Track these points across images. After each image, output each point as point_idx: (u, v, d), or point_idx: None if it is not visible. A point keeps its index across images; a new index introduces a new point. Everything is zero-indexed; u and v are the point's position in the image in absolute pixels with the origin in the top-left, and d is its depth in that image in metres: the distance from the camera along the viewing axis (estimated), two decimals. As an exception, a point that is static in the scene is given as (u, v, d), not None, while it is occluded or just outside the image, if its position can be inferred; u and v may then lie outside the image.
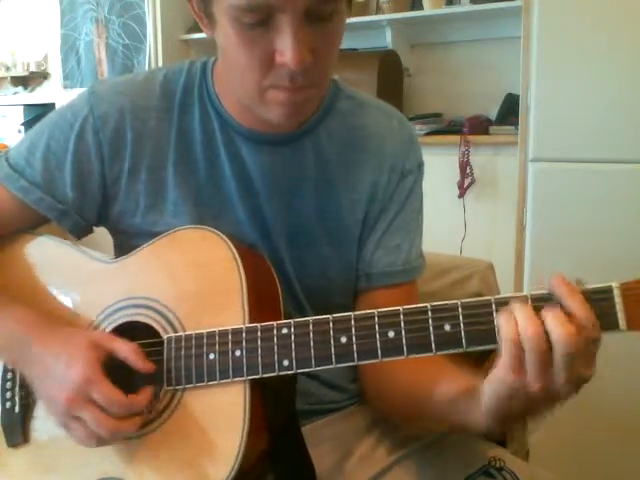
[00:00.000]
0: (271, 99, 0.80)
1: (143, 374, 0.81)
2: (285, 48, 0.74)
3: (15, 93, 3.54)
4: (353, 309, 0.97)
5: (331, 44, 0.80)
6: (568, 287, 0.66)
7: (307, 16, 0.74)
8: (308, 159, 0.91)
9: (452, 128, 2.50)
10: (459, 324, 0.69)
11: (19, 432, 0.86)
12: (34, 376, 0.82)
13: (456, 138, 2.42)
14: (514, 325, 0.64)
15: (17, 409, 0.87)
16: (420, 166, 0.98)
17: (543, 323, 0.64)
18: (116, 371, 0.79)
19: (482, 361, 1.17)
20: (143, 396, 0.78)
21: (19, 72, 3.45)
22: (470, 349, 0.69)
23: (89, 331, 0.85)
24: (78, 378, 0.76)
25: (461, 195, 2.48)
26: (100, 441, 0.77)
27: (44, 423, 0.85)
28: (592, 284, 0.66)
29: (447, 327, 0.69)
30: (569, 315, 0.64)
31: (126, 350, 0.79)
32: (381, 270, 0.94)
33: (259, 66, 0.77)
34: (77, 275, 0.89)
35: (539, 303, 0.66)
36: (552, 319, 0.63)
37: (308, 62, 0.75)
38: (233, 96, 0.89)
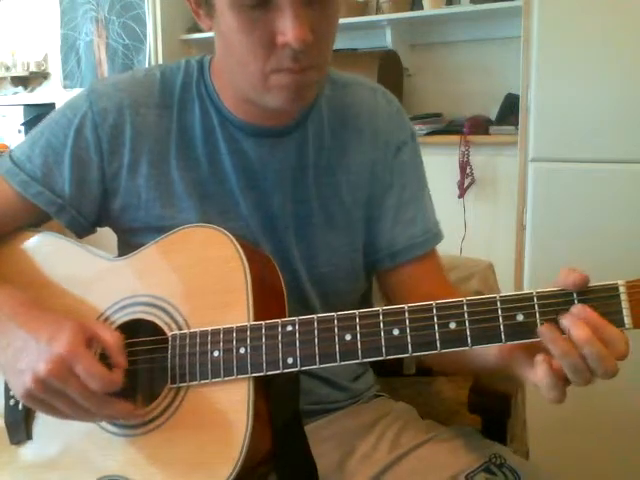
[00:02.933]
0: (275, 84, 0.80)
1: (145, 372, 0.82)
2: (286, 27, 0.74)
3: (15, 93, 3.54)
4: (380, 291, 1.00)
5: (330, 24, 0.80)
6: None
7: None
8: (306, 147, 0.92)
9: (452, 128, 2.50)
10: (464, 322, 0.69)
11: (22, 430, 0.86)
12: (5, 346, 0.80)
13: (456, 138, 2.43)
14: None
15: (20, 406, 0.86)
16: (413, 135, 0.99)
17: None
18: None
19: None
20: (117, 374, 0.77)
21: (19, 72, 3.45)
22: (475, 347, 0.70)
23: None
24: (61, 350, 0.74)
25: (461, 195, 2.48)
26: (87, 415, 0.77)
27: (48, 420, 0.84)
28: (597, 282, 0.67)
29: (452, 325, 0.70)
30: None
31: (108, 338, 0.79)
32: (403, 245, 0.95)
33: (261, 50, 0.77)
34: (82, 273, 0.89)
35: (546, 301, 0.67)
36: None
37: (309, 41, 0.75)
38: (233, 90, 0.89)
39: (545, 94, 1.81)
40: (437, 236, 0.98)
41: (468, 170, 2.45)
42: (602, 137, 1.75)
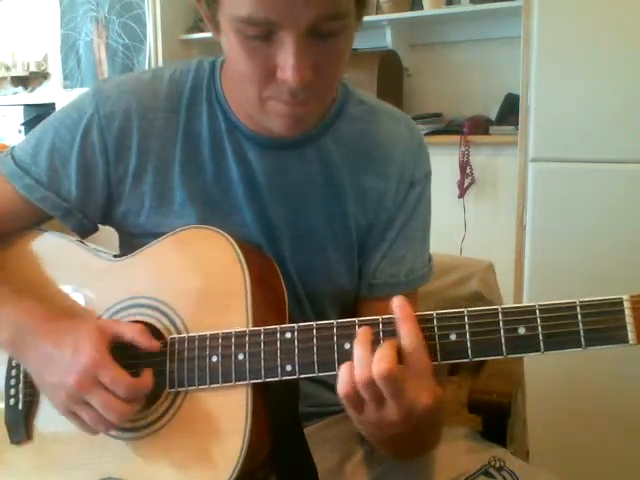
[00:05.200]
0: (271, 110, 0.79)
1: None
2: (286, 65, 0.73)
3: (15, 93, 3.55)
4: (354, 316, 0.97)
5: (336, 60, 0.78)
6: (402, 312, 0.69)
7: (311, 32, 0.72)
8: (315, 163, 0.90)
9: (452, 128, 2.50)
10: (465, 334, 0.69)
11: (22, 429, 0.86)
12: (35, 364, 0.82)
13: (456, 138, 2.43)
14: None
15: (21, 406, 0.87)
16: (428, 175, 0.97)
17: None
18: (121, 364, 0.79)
19: (478, 370, 1.17)
20: (147, 378, 0.78)
21: (19, 72, 3.45)
22: (476, 359, 0.69)
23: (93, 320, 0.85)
24: (86, 361, 0.76)
25: (461, 195, 2.48)
26: (108, 426, 0.77)
27: (48, 421, 0.85)
28: (602, 296, 0.65)
29: (453, 336, 0.69)
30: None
31: (131, 331, 0.79)
32: (384, 281, 0.93)
33: (260, 77, 0.76)
34: (82, 273, 0.89)
35: (549, 314, 0.67)
36: (377, 354, 0.67)
37: (309, 79, 0.74)
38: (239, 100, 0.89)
39: (545, 94, 1.81)
40: (420, 278, 0.96)
41: (468, 170, 2.45)
42: (602, 137, 1.75)
